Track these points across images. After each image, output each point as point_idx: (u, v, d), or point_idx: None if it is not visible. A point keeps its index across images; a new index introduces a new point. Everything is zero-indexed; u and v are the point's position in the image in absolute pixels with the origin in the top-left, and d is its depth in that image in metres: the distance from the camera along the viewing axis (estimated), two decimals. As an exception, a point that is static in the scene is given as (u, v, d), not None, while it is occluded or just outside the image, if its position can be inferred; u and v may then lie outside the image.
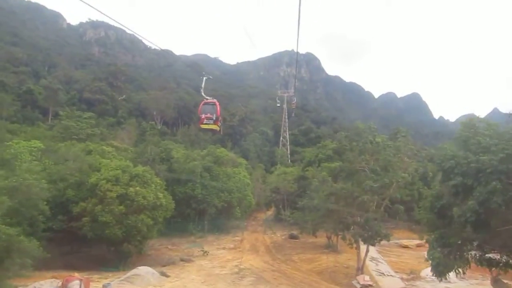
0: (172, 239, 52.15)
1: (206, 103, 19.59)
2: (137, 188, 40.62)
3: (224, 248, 49.08)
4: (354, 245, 34.14)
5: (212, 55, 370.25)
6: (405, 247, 51.21)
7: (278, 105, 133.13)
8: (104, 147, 58.72)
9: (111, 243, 40.88)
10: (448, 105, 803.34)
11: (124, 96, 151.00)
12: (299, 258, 43.91)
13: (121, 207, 38.94)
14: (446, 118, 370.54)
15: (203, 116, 19.30)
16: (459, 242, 19.35)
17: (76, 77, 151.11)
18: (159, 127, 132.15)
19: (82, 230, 38.88)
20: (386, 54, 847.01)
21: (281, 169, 73.48)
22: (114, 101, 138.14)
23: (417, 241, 56.09)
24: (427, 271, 38.95)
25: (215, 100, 19.70)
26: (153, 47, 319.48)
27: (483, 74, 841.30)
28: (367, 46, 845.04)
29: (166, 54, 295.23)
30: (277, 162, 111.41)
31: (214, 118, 19.16)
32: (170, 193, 54.35)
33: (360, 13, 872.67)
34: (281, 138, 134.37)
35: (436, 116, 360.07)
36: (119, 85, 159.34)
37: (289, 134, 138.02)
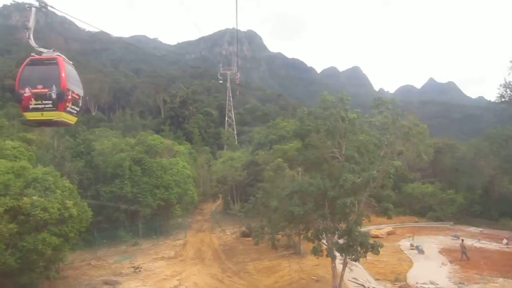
0: (98, 250, 41.11)
1: (34, 62, 8.84)
2: (35, 197, 29.37)
3: (162, 258, 38.70)
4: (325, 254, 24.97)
5: (151, 36, 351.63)
6: (376, 237, 42.99)
7: (221, 81, 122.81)
8: (10, 142, 46.29)
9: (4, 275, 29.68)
10: (387, 77, 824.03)
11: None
12: (255, 267, 34.45)
13: (12, 225, 27.60)
14: (386, 89, 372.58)
15: (27, 92, 8.50)
16: None
17: (0, 63, 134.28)
18: (93, 113, 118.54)
19: (-41, 260, 27.61)
20: (326, 29, 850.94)
21: (227, 154, 63.28)
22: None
23: (386, 228, 48.35)
24: (414, 274, 30.94)
25: (56, 55, 8.86)
26: (87, 29, 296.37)
27: (419, 46, 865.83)
28: (308, 22, 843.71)
29: (101, 37, 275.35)
30: (224, 145, 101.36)
31: (54, 96, 8.38)
32: (94, 194, 43.44)
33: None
34: (226, 118, 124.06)
35: (376, 88, 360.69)
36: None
37: (234, 114, 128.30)
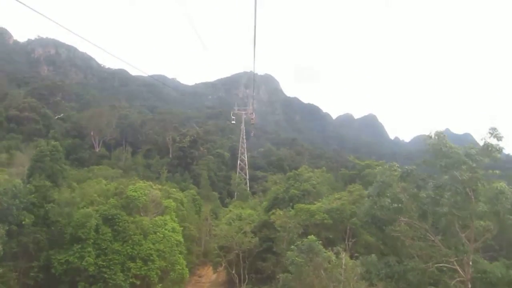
0: None
1: None
2: None
3: None
4: None
5: (169, 75, 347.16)
6: None
7: (233, 122, 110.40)
8: None
9: None
10: (403, 125, 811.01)
11: (62, 114, 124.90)
12: None
13: None
14: (401, 138, 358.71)
15: None
16: None
17: (14, 94, 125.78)
18: (97, 150, 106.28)
19: None
20: (343, 76, 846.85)
21: (234, 210, 48.79)
22: (47, 119, 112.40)
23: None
24: None
25: None
26: (107, 66, 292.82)
27: (435, 96, 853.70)
28: (325, 67, 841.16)
29: (120, 74, 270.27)
30: (234, 192, 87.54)
31: None
32: (44, 263, 29.89)
33: (317, 36, 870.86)
34: (238, 162, 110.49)
35: (391, 136, 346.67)
36: (57, 102, 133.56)
37: (248, 157, 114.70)
